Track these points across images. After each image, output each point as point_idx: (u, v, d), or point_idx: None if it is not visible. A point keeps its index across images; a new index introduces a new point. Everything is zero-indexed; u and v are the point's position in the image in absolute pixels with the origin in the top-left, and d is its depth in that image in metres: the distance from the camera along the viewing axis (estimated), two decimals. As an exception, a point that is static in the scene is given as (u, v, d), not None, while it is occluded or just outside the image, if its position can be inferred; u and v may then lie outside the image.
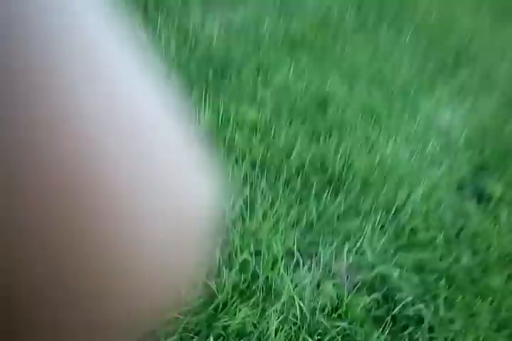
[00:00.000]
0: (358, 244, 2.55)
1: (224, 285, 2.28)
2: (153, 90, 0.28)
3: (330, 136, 3.27)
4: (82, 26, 0.25)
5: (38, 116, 0.22)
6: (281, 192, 2.79)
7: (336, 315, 2.25)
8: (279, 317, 2.20)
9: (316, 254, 2.50)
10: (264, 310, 2.24)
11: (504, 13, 5.79)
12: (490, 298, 2.39)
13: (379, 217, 2.69)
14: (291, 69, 3.78)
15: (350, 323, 2.24)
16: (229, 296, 2.26)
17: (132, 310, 0.27)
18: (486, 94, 4.09)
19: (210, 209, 0.29)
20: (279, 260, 2.41)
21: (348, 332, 2.22)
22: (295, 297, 2.25)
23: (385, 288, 2.36)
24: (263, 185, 2.81)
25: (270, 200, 2.72)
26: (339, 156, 3.09)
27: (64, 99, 0.23)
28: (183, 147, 0.29)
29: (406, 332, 2.25)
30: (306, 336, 2.18)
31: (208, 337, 2.10)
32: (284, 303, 2.25)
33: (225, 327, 2.15)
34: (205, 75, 3.62)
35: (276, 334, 2.15)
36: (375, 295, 2.32)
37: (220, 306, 2.23)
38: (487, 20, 5.51)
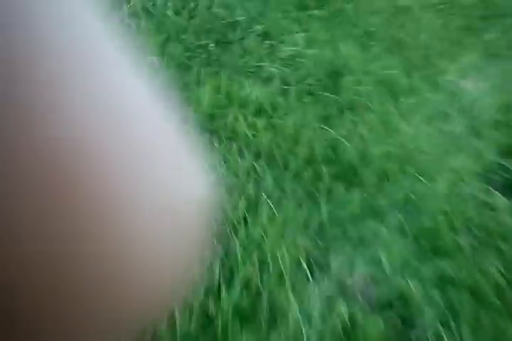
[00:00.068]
0: (374, 252, 2.29)
1: (223, 307, 2.04)
2: (143, 74, 0.27)
3: (342, 116, 2.96)
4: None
5: (34, 114, 0.22)
6: (288, 188, 2.52)
7: (348, 342, 2.01)
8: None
9: (327, 265, 2.24)
10: (268, 335, 2.01)
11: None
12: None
13: (397, 217, 2.41)
14: (301, 35, 3.42)
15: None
16: (229, 319, 2.03)
17: (123, 309, 0.27)
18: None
19: (207, 205, 0.29)
20: (286, 274, 2.17)
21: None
22: (301, 322, 2.01)
23: (404, 308, 2.11)
24: (268, 179, 2.53)
25: (276, 198, 2.45)
26: (352, 142, 2.79)
27: (54, 93, 0.23)
28: (177, 137, 0.28)
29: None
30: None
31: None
32: (290, 328, 2.01)
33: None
34: (205, 45, 3.29)
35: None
36: (392, 316, 2.08)
37: (220, 331, 2.00)
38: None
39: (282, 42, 3.39)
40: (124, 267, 0.25)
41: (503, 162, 2.74)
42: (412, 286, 2.15)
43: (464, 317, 2.07)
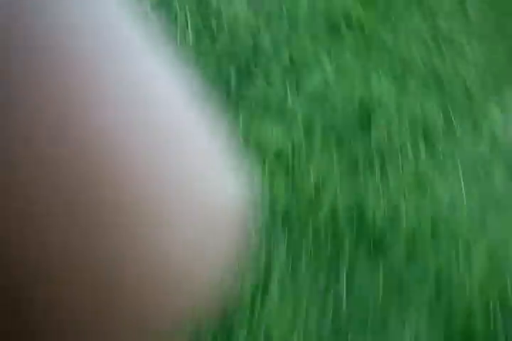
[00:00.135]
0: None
1: None
2: (173, 79, 0.27)
3: (371, 166, 2.66)
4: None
5: (61, 105, 0.23)
6: (304, 257, 2.25)
7: None
8: None
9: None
10: None
11: None
12: None
13: (427, 303, 2.13)
14: (330, 65, 3.11)
15: None
16: None
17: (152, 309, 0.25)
18: None
19: (240, 203, 0.29)
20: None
21: None
22: None
23: None
24: (282, 247, 2.26)
25: (290, 272, 2.18)
26: (380, 200, 2.50)
27: (82, 84, 0.23)
28: (208, 133, 0.28)
29: None
30: None
31: None
32: None
33: None
34: (226, 76, 3.00)
35: None
36: None
37: None
38: None
39: (310, 72, 3.08)
40: (151, 262, 0.24)
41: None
42: None
43: None
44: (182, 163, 0.25)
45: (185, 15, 3.19)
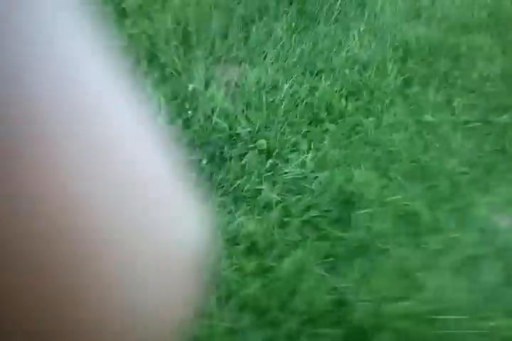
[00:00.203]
0: None
1: None
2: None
3: (351, 260, 2.44)
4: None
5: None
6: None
7: None
8: None
9: None
10: None
11: None
12: None
13: None
14: (309, 154, 2.95)
15: None
16: None
17: None
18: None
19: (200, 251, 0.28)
20: None
21: None
22: None
23: None
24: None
25: None
26: (361, 296, 2.26)
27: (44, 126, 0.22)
28: (171, 181, 0.28)
29: None
30: None
31: None
32: None
33: None
34: (196, 161, 2.83)
35: None
36: None
37: None
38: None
39: (287, 161, 2.91)
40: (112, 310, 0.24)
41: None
42: None
43: None
44: (142, 211, 0.25)
45: (159, 97, 3.06)
